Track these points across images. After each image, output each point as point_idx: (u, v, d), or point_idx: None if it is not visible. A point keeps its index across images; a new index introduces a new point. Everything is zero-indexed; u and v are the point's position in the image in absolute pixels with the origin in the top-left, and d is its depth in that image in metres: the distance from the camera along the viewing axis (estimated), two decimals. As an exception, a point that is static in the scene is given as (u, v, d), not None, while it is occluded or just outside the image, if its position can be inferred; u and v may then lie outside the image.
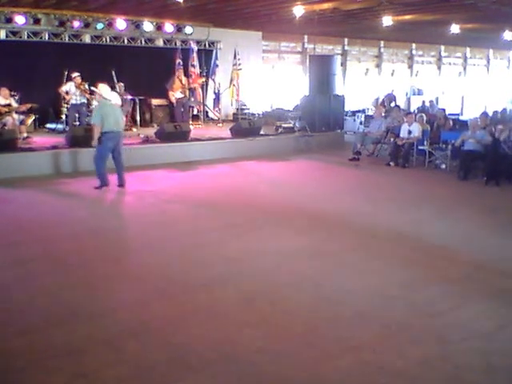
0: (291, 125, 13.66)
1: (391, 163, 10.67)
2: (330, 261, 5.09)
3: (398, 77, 22.11)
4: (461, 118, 16.15)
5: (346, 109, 15.39)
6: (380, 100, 18.67)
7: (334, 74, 14.13)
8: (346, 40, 20.21)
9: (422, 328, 3.73)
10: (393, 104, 18.06)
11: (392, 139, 11.08)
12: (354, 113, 16.82)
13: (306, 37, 18.96)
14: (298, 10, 12.28)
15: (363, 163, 10.90)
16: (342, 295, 4.27)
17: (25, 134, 10.78)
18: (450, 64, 24.06)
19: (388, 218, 6.67)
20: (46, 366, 3.20)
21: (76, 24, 13.24)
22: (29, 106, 10.98)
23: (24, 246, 5.48)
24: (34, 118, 11.85)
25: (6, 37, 12.64)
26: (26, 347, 3.40)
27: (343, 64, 19.90)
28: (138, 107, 13.46)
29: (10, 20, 12.32)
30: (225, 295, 4.25)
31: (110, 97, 8.27)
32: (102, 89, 8.29)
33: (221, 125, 14.67)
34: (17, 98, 11.24)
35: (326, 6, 12.47)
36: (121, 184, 8.22)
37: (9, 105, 10.82)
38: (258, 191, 8.31)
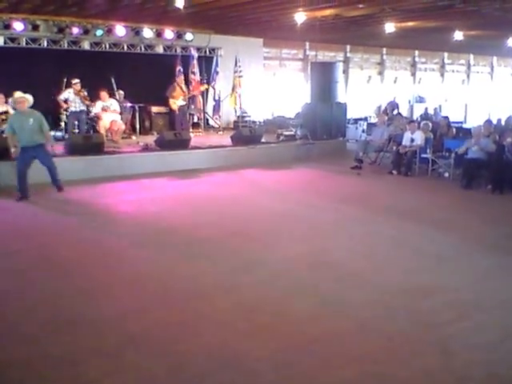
0: (292, 133, 13.73)
1: (394, 171, 10.73)
2: (331, 270, 5.12)
3: (400, 84, 22.23)
4: (464, 125, 16.24)
5: (348, 116, 15.47)
6: (382, 108, 18.78)
7: (335, 81, 14.22)
8: (348, 47, 20.34)
9: (424, 339, 3.76)
10: (395, 112, 18.15)
11: (394, 147, 11.15)
12: (356, 120, 16.91)
13: (307, 44, 19.08)
14: (300, 17, 12.39)
15: (365, 171, 10.96)
16: (343, 305, 4.30)
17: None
18: (453, 71, 24.19)
19: (389, 228, 6.71)
20: (44, 377, 3.23)
21: (75, 30, 13.35)
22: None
23: (23, 253, 5.52)
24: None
25: (5, 43, 12.76)
26: (24, 357, 3.44)
27: (345, 71, 20.02)
28: (137, 115, 13.54)
29: (8, 26, 12.43)
30: (226, 304, 4.29)
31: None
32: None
33: (221, 132, 14.75)
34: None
35: (327, 12, 12.58)
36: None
37: (6, 112, 10.89)
38: (257, 200, 8.37)
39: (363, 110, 19.23)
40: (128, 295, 4.46)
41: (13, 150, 8.01)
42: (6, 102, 11.09)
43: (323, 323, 3.99)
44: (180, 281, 4.80)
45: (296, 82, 19.03)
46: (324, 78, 14.01)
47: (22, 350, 3.53)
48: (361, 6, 11.75)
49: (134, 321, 3.97)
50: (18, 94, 7.97)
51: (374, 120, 17.16)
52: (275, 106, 17.70)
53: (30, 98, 7.94)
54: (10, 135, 7.89)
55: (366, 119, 17.47)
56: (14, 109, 8.75)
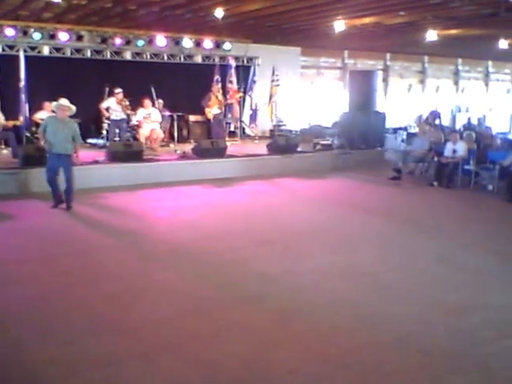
0: (329, 142, 13.66)
1: (434, 183, 10.53)
2: (368, 282, 5.08)
3: (442, 93, 21.85)
4: (509, 136, 15.81)
5: (387, 126, 15.31)
6: (423, 117, 18.49)
7: (374, 90, 14.12)
8: (387, 55, 20.14)
9: (464, 356, 3.68)
10: (437, 121, 17.87)
11: (436, 158, 10.96)
12: (395, 130, 16.70)
13: (346, 52, 19.00)
14: (339, 25, 12.36)
15: (404, 183, 10.81)
16: (380, 318, 4.26)
17: (72, 151, 11.17)
18: (497, 80, 23.61)
19: (428, 241, 6.60)
20: (84, 377, 3.34)
21: (118, 41, 13.74)
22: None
23: (61, 258, 5.70)
24: (76, 133, 12.29)
25: (50, 53, 13.22)
26: (66, 357, 3.56)
27: (385, 80, 19.83)
28: (175, 123, 13.77)
29: (53, 36, 12.88)
30: (259, 313, 4.31)
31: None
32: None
33: (257, 141, 14.83)
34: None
35: (367, 20, 12.52)
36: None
37: (51, 120, 11.28)
38: (292, 209, 8.37)
39: (403, 119, 18.97)
40: (161, 302, 4.54)
41: (42, 142, 7.97)
42: (53, 111, 11.49)
43: (358, 336, 3.97)
44: (212, 289, 4.85)
45: (334, 91, 18.96)
46: (363, 86, 13.93)
47: (63, 350, 3.65)
48: (402, 13, 11.65)
49: (167, 328, 4.04)
50: (63, 101, 8.03)
51: (414, 130, 16.91)
52: (312, 114, 17.67)
53: (73, 108, 8.03)
54: (41, 134, 7.90)
55: (405, 129, 17.23)
56: (53, 111, 9.08)
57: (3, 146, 11.55)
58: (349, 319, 4.24)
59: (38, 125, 11.26)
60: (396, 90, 20.50)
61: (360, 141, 13.39)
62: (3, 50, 12.56)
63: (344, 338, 3.92)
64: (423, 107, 20.00)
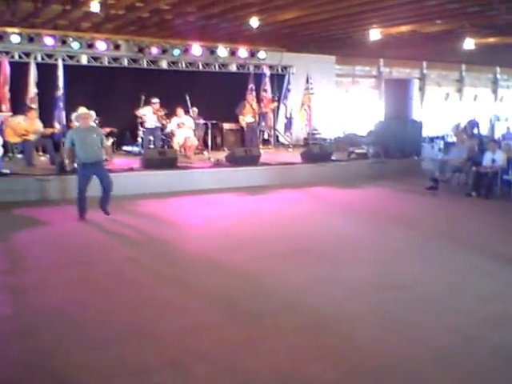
0: (364, 151, 13.52)
1: (473, 193, 10.27)
2: (403, 294, 4.96)
3: (480, 102, 21.39)
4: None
5: (424, 135, 15.07)
6: (461, 126, 18.13)
7: (411, 98, 13.94)
8: (424, 63, 19.88)
9: (507, 374, 3.54)
10: (475, 131, 17.50)
11: (474, 168, 10.70)
12: (432, 139, 16.46)
13: (381, 60, 18.84)
14: (374, 34, 12.26)
15: (441, 192, 10.57)
16: (417, 332, 4.14)
17: (104, 156, 11.41)
18: (538, 89, 23.00)
19: (466, 254, 6.41)
20: (116, 382, 3.34)
21: (154, 50, 13.98)
22: (108, 130, 11.67)
23: (95, 265, 5.77)
24: (112, 140, 12.55)
25: (88, 62, 13.52)
26: (97, 363, 3.57)
27: (421, 88, 19.54)
28: (209, 131, 13.86)
29: (91, 46, 13.19)
30: (293, 324, 4.25)
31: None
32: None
33: (291, 149, 14.79)
34: (97, 121, 11.95)
35: (403, 28, 12.39)
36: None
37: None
38: (325, 218, 8.29)
39: (440, 128, 18.65)
40: (192, 310, 4.52)
41: (67, 161, 7.94)
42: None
43: (394, 349, 3.86)
44: (246, 297, 4.81)
45: (369, 99, 18.80)
46: (398, 95, 13.78)
47: (95, 356, 3.67)
48: (439, 22, 11.48)
49: (200, 335, 4.02)
50: (82, 110, 7.92)
51: (451, 139, 16.60)
52: (347, 123, 17.56)
53: (93, 114, 8.06)
54: (68, 149, 7.73)
55: (442, 138, 16.94)
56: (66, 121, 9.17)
57: (41, 153, 11.84)
58: (385, 331, 4.14)
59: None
60: (433, 99, 20.17)
61: (396, 150, 13.21)
62: (42, 58, 12.91)
63: (379, 351, 3.82)
64: (461, 116, 19.62)
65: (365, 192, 10.86)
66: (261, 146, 14.01)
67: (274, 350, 3.81)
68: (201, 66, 15.09)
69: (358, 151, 13.45)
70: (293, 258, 6.09)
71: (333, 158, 12.60)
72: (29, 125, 10.71)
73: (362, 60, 18.43)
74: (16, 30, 12.22)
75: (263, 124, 15.06)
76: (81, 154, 7.60)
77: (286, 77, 16.04)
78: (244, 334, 4.07)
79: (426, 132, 15.64)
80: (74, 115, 8.01)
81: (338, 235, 7.20)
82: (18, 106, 11.85)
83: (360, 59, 18.31)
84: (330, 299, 4.80)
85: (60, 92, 12.62)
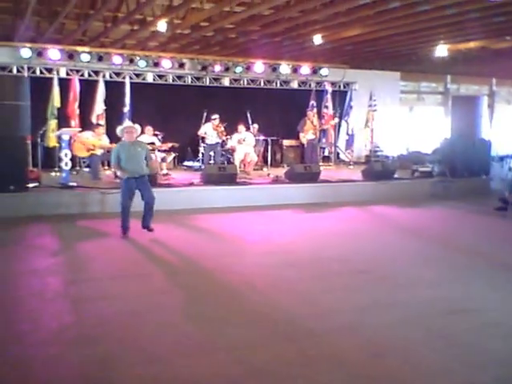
0: (429, 169, 13.12)
1: (545, 215, 9.70)
2: (469, 319, 4.70)
3: (555, 120, 20.32)
4: None
5: (493, 153, 14.44)
6: (533, 145, 17.28)
7: (479, 116, 13.43)
8: (493, 80, 19.16)
9: None
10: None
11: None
12: (501, 158, 15.76)
13: (448, 77, 18.34)
14: (441, 50, 11.96)
15: (511, 213, 10.03)
16: (483, 359, 3.90)
17: (165, 171, 11.73)
18: None
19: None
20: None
21: (217, 68, 14.28)
22: (170, 145, 11.99)
23: (152, 277, 5.86)
24: (173, 156, 12.87)
25: (153, 80, 14.00)
26: (153, 376, 3.58)
27: (490, 106, 18.81)
28: (269, 147, 13.93)
29: (157, 64, 13.69)
30: (351, 345, 4.11)
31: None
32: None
33: (352, 167, 14.60)
34: (160, 137, 12.30)
35: (472, 44, 12.04)
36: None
37: (152, 143, 11.92)
38: (386, 237, 8.04)
39: (510, 146, 17.84)
40: (249, 326, 4.47)
41: (119, 173, 7.78)
42: (155, 135, 12.13)
43: (460, 377, 3.64)
44: (302, 316, 4.71)
45: (434, 117, 18.30)
46: (466, 112, 13.32)
47: (150, 369, 3.68)
48: (508, 38, 11.07)
49: (255, 353, 3.96)
50: (127, 124, 7.79)
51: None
52: (411, 140, 17.14)
53: (138, 128, 7.91)
54: (116, 164, 7.56)
55: (512, 157, 16.20)
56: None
57: (107, 167, 12.29)
58: (449, 358, 3.92)
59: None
60: (503, 117, 19.36)
61: (463, 168, 12.72)
62: (110, 76, 13.48)
63: (442, 378, 3.62)
64: (533, 134, 18.72)
65: (429, 212, 10.49)
66: (321, 163, 13.91)
67: (329, 370, 3.70)
68: (262, 83, 15.25)
69: (422, 169, 13.07)
70: (351, 277, 5.94)
71: (395, 176, 12.30)
72: (96, 140, 11.16)
73: (428, 76, 18.03)
74: (86, 48, 12.87)
75: (323, 141, 14.97)
76: (125, 169, 7.45)
77: (348, 93, 15.91)
78: (301, 353, 3.97)
79: (496, 151, 14.99)
80: (118, 129, 7.87)
81: (400, 255, 6.96)
82: (86, 122, 12.42)
83: (426, 75, 17.92)
84: (390, 321, 4.62)
85: (126, 108, 13.11)
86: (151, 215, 7.63)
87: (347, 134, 15.62)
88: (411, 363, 3.84)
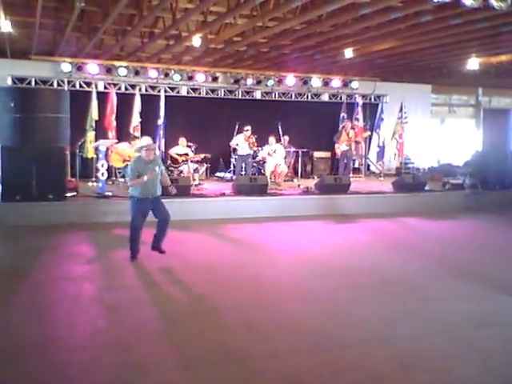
0: (460, 181, 12.88)
1: None
2: (503, 332, 4.56)
3: None
4: None
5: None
6: None
7: (511, 129, 13.12)
8: (526, 93, 18.73)
9: None
10: None
11: None
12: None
13: (480, 89, 18.01)
14: (473, 63, 11.76)
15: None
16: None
17: (197, 181, 11.82)
18: None
19: None
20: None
21: (249, 81, 14.38)
22: (203, 156, 12.09)
23: (182, 285, 5.88)
24: (206, 166, 12.97)
25: (187, 93, 14.18)
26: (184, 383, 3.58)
27: (523, 118, 18.36)
28: (299, 159, 13.89)
29: (191, 78, 13.86)
30: (381, 357, 4.03)
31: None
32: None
33: (382, 178, 14.42)
34: (193, 148, 12.42)
35: (504, 58, 11.79)
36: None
37: (186, 154, 12.07)
38: (418, 250, 7.88)
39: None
40: (280, 337, 4.43)
41: (132, 189, 6.77)
42: (189, 146, 12.26)
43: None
44: (330, 328, 4.64)
45: (466, 129, 17.97)
46: (498, 125, 13.07)
47: (179, 375, 3.69)
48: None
49: (285, 363, 3.92)
50: (147, 141, 6.85)
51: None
52: (442, 153, 16.86)
53: (156, 146, 7.28)
54: (133, 180, 6.65)
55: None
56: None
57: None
58: (480, 372, 3.80)
59: (172, 159, 12.07)
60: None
61: (494, 181, 12.44)
62: (146, 90, 13.71)
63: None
64: None
65: (460, 224, 10.26)
66: (351, 175, 13.78)
67: (360, 382, 3.63)
68: (293, 96, 15.26)
69: (453, 182, 12.84)
70: (382, 288, 5.84)
71: (426, 188, 12.10)
72: (132, 151, 11.31)
73: (460, 89, 17.75)
74: (123, 63, 13.13)
75: (354, 153, 14.84)
76: (141, 189, 6.62)
77: (379, 106, 15.76)
78: (331, 364, 3.91)
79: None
80: (137, 146, 7.10)
81: (430, 267, 6.80)
82: (122, 133, 12.62)
83: (457, 88, 17.64)
84: (422, 333, 4.51)
85: (161, 121, 13.29)
86: (165, 235, 6.89)
87: (378, 146, 15.48)
88: (443, 376, 3.74)
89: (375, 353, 4.11)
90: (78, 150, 11.59)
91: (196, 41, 9.68)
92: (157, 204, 6.79)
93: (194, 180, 11.55)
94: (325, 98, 15.57)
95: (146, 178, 6.51)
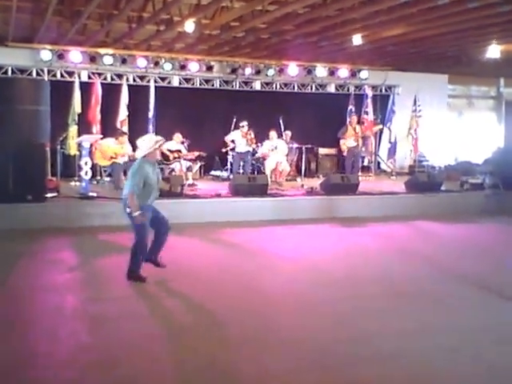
0: (480, 181, 12.91)
1: None
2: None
3: None
4: None
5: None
6: None
7: (536, 122, 13.14)
8: (552, 83, 18.77)
9: None
10: None
11: None
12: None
13: (502, 80, 18.04)
14: (494, 51, 11.77)
15: None
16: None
17: (190, 181, 11.82)
18: None
19: None
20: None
21: (247, 71, 14.37)
22: (197, 153, 12.11)
23: (177, 296, 5.87)
24: (200, 165, 12.98)
25: (179, 83, 14.17)
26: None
27: (549, 111, 18.41)
28: (303, 156, 13.87)
29: (183, 67, 13.85)
30: (388, 374, 4.03)
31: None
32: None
33: (394, 177, 14.46)
34: (186, 145, 12.42)
35: (528, 44, 11.80)
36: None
37: (178, 151, 12.07)
38: (435, 257, 7.88)
39: None
40: (283, 353, 4.42)
41: (137, 213, 5.87)
42: (182, 143, 12.26)
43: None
44: (339, 342, 4.64)
45: (486, 123, 18.00)
46: (522, 118, 13.04)
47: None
48: None
49: (291, 381, 3.92)
50: (156, 136, 6.33)
51: None
52: (460, 149, 16.88)
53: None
54: (135, 196, 5.86)
55: None
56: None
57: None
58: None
59: (163, 155, 12.03)
60: None
61: (517, 181, 12.46)
62: (134, 80, 13.72)
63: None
64: None
65: (480, 228, 10.28)
66: (360, 173, 13.80)
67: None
68: (296, 87, 15.27)
69: (472, 181, 12.89)
70: (395, 300, 5.84)
71: (443, 188, 12.13)
72: (118, 148, 11.33)
73: (479, 79, 17.77)
74: (109, 51, 13.12)
75: (363, 149, 14.85)
76: (147, 196, 6.01)
77: (391, 97, 15.78)
78: (341, 381, 3.91)
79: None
80: (149, 142, 6.04)
81: (445, 277, 6.81)
82: (108, 128, 12.62)
83: (476, 78, 17.66)
84: (440, 349, 4.50)
85: (151, 114, 13.29)
86: (163, 245, 6.39)
87: (389, 141, 15.47)
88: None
89: (387, 369, 4.10)
90: (59, 147, 11.56)
91: (189, 26, 9.68)
92: (155, 211, 6.25)
93: (187, 179, 11.55)
94: (331, 89, 15.57)
95: (137, 211, 5.78)
